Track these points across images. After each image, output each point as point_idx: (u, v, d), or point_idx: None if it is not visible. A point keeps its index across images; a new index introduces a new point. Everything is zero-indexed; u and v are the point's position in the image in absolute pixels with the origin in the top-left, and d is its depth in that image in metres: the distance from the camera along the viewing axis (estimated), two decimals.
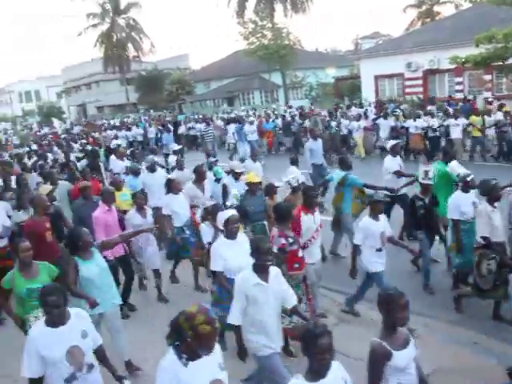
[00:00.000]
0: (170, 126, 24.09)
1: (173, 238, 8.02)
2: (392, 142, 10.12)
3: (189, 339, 3.07)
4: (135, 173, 10.63)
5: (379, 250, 6.36)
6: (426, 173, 7.54)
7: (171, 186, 8.23)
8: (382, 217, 6.57)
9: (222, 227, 5.63)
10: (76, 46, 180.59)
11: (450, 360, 5.49)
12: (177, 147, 14.41)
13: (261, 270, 4.47)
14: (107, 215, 7.29)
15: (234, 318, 4.55)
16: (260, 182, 8.40)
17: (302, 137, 21.03)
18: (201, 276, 8.15)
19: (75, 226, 5.79)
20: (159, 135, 24.33)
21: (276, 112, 27.75)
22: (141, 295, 8.06)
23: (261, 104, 39.77)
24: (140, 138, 25.99)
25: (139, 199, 7.99)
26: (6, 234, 7.72)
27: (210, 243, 6.41)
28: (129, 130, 26.82)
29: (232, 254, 5.46)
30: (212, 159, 11.45)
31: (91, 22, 52.28)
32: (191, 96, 47.26)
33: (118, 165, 12.82)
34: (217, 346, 3.28)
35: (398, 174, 9.28)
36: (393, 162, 9.50)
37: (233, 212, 5.69)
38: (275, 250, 5.47)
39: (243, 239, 5.66)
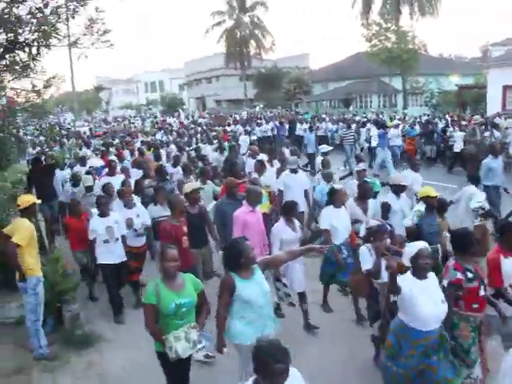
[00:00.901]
0: (312, 125, 23.06)
1: (330, 258, 7.00)
2: None
3: None
4: (293, 170, 9.77)
5: None
6: None
7: (335, 198, 7.24)
8: None
9: (408, 262, 4.52)
10: (199, 41, 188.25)
11: None
12: (326, 148, 13.03)
13: None
14: (249, 216, 6.84)
15: None
16: (436, 197, 7.07)
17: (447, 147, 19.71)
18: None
19: (237, 238, 4.94)
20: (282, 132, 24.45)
21: (399, 117, 27.32)
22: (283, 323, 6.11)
23: (378, 108, 39.35)
24: (269, 134, 25.80)
25: (291, 209, 6.88)
26: (143, 232, 8.14)
27: (369, 271, 5.61)
28: (258, 125, 26.61)
29: (425, 299, 4.38)
30: (361, 167, 10.21)
31: (217, 20, 54.44)
32: (308, 96, 47.71)
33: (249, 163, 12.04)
34: None
35: None
36: None
37: (423, 244, 4.61)
38: (445, 283, 4.80)
39: (434, 278, 4.64)
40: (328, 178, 9.78)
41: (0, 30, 6.71)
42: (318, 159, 12.36)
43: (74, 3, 7.14)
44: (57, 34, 7.04)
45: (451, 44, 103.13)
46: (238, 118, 38.02)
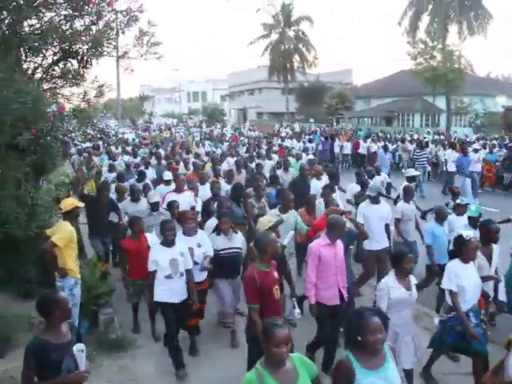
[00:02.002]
0: (389, 144, 22.17)
1: (453, 326, 5.57)
2: None
3: None
4: (374, 199, 8.36)
5: None
6: None
7: (465, 250, 5.57)
8: None
9: None
10: (244, 54, 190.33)
11: None
12: (412, 172, 11.67)
13: None
14: (326, 250, 6.01)
15: None
16: None
17: None
18: None
19: (360, 310, 3.73)
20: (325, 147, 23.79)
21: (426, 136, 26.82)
22: None
23: (420, 127, 38.84)
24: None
25: (404, 258, 5.21)
26: (209, 265, 6.85)
27: None
28: (310, 141, 26.22)
29: None
30: (464, 200, 8.43)
31: (262, 33, 54.96)
32: (350, 112, 47.56)
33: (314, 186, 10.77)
34: None
35: None
36: None
37: None
38: None
39: None
40: (440, 216, 8.06)
41: (56, 41, 6.95)
42: (377, 179, 10.59)
43: (127, 18, 7.35)
44: (109, 45, 7.26)
45: (500, 64, 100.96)
46: (289, 131, 37.23)
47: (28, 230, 7.16)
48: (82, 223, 9.91)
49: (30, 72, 7.46)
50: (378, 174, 11.66)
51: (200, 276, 6.82)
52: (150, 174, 13.20)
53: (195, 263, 6.64)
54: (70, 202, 6.92)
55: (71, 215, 6.84)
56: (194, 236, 6.84)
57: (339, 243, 6.10)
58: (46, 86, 7.59)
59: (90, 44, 7.02)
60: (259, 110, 62.21)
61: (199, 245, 6.81)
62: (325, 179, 10.88)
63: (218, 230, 7.01)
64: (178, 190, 9.72)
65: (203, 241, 6.88)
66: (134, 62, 7.90)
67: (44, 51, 7.18)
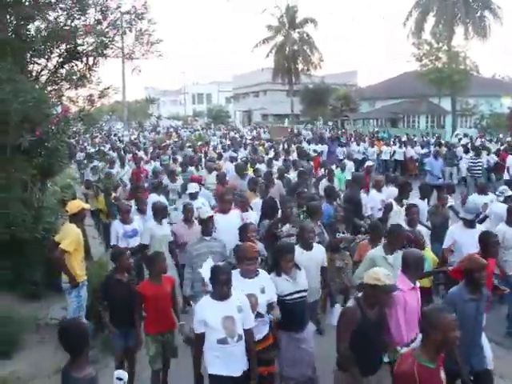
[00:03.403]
0: (443, 149, 19.66)
1: None
2: None
3: None
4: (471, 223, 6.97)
5: None
6: None
7: None
8: None
9: None
10: (248, 56, 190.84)
11: None
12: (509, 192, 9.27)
13: None
14: (409, 297, 4.94)
15: None
16: None
17: None
18: None
19: None
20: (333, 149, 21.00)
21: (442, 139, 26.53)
22: None
23: (425, 129, 38.76)
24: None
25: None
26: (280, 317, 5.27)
27: None
28: (341, 145, 23.29)
29: None
30: None
31: (267, 35, 54.98)
32: (355, 113, 47.50)
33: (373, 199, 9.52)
34: None
35: None
36: None
37: None
38: None
39: None
40: None
41: (61, 41, 6.99)
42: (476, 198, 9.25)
43: (132, 16, 7.38)
44: (113, 45, 7.29)
45: (505, 65, 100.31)
46: (307, 134, 36.01)
47: (34, 232, 7.20)
48: (88, 225, 9.93)
49: (34, 74, 7.50)
50: (484, 194, 9.68)
51: (262, 330, 5.12)
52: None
53: (258, 315, 4.99)
54: (76, 205, 6.93)
55: (77, 217, 6.84)
56: (255, 278, 5.12)
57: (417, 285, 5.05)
58: (50, 88, 7.63)
59: (94, 45, 7.04)
60: (264, 112, 62.31)
61: (263, 290, 5.07)
62: (387, 192, 9.50)
63: (277, 268, 5.37)
64: (224, 209, 7.48)
65: (267, 283, 5.17)
66: (138, 63, 7.91)
67: (49, 53, 7.21)
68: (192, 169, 14.11)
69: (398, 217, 7.93)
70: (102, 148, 21.60)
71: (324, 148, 21.62)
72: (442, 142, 23.90)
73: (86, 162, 15.41)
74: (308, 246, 6.15)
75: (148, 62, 7.62)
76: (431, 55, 36.84)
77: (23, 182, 7.16)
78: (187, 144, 24.75)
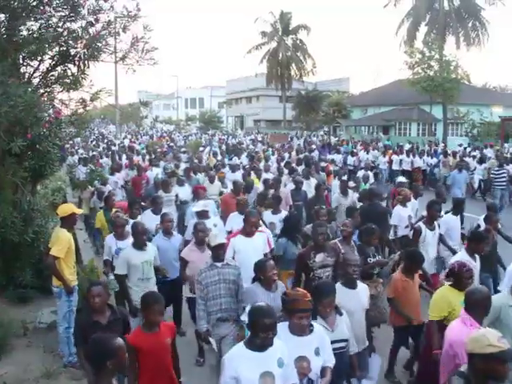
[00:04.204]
0: (449, 159, 19.16)
1: None
2: None
3: None
4: None
5: None
6: None
7: None
8: None
9: None
10: (241, 61, 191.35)
11: None
12: None
13: None
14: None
15: None
16: None
17: None
18: None
19: None
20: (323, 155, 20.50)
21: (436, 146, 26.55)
22: None
23: (417, 136, 38.97)
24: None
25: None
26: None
27: None
28: (352, 154, 22.19)
29: None
30: None
31: (261, 41, 55.19)
32: (346, 120, 47.69)
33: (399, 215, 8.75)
34: None
35: None
36: None
37: None
38: None
39: None
40: None
41: (53, 43, 6.96)
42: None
43: (126, 19, 7.34)
44: (107, 48, 7.25)
45: (498, 74, 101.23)
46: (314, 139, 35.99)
47: (24, 234, 7.12)
48: (78, 229, 9.85)
49: (27, 76, 7.45)
50: None
51: None
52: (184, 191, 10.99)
53: (309, 381, 3.98)
54: (67, 209, 6.78)
55: (69, 222, 6.69)
56: (308, 336, 4.02)
57: None
58: (43, 90, 7.58)
59: (87, 47, 7.01)
60: (256, 118, 62.44)
61: (317, 351, 4.02)
62: (411, 207, 8.96)
63: (312, 310, 4.11)
64: (249, 232, 6.69)
65: (323, 342, 4.10)
66: (131, 67, 7.87)
67: (41, 55, 7.16)
68: (200, 176, 13.00)
69: (432, 240, 7.43)
70: (96, 153, 21.17)
71: (336, 157, 21.07)
72: (449, 151, 22.65)
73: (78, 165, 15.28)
74: (353, 284, 5.26)
75: (142, 67, 7.55)
76: (423, 63, 37.07)
77: (13, 184, 7.10)
78: (182, 150, 24.09)
